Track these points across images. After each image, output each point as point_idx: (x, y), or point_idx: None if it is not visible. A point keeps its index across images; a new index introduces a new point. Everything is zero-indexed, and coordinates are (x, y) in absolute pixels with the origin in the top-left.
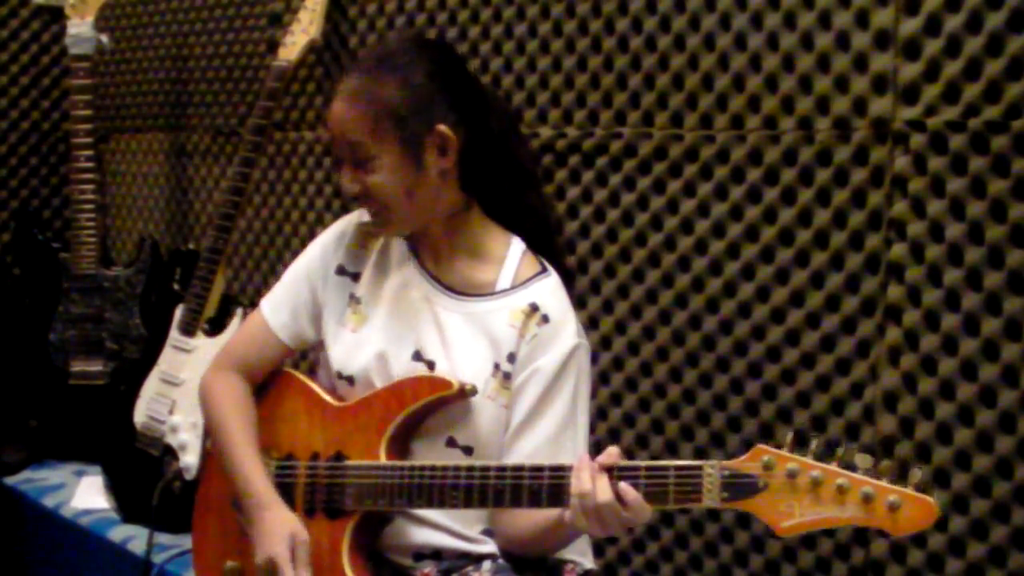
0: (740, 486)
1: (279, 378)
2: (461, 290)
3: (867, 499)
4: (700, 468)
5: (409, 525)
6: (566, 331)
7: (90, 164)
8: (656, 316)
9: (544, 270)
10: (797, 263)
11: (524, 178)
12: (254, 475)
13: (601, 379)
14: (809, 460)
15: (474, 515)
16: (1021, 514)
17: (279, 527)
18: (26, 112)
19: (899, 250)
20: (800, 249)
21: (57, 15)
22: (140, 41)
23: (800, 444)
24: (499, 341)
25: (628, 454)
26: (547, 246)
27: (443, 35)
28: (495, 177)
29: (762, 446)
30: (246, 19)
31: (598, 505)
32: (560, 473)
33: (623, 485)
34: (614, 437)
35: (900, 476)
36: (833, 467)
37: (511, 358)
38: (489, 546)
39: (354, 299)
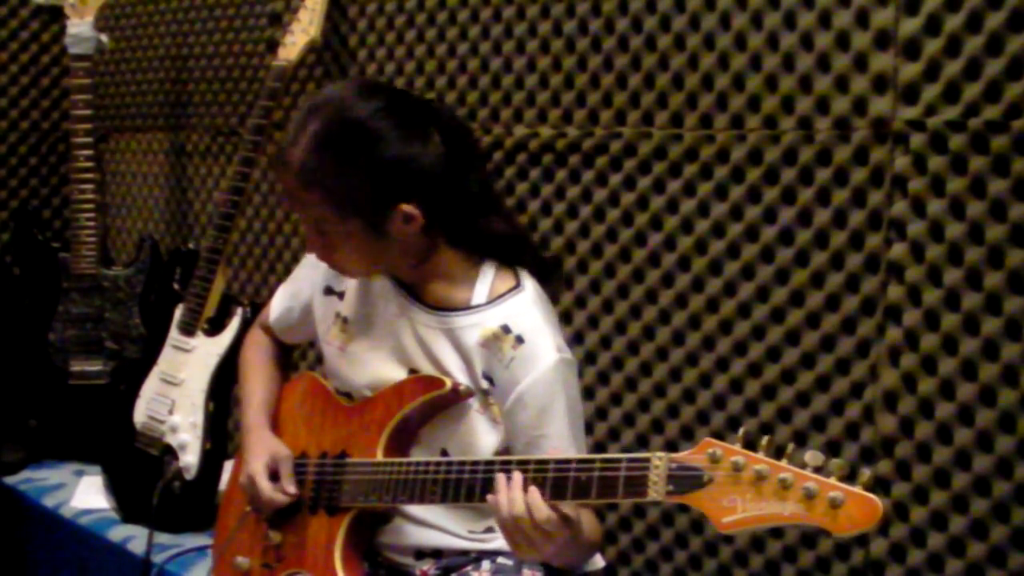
0: (685, 479)
1: (301, 380)
2: (437, 306)
3: (809, 495)
4: (648, 460)
5: (409, 525)
6: (543, 348)
7: (90, 164)
8: (656, 316)
9: (518, 285)
10: (797, 263)
11: (484, 207)
12: (249, 408)
13: (601, 380)
14: (756, 454)
15: (472, 513)
16: (1021, 514)
17: (258, 447)
18: (26, 112)
19: (899, 250)
20: (800, 249)
21: (57, 15)
22: (140, 41)
23: (749, 445)
24: (471, 358)
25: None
26: (521, 259)
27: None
28: (457, 218)
29: (710, 439)
30: (246, 19)
31: (513, 517)
32: (526, 467)
33: (531, 496)
34: (614, 437)
35: (849, 476)
36: (781, 462)
37: (487, 378)
38: (490, 544)
39: (340, 317)
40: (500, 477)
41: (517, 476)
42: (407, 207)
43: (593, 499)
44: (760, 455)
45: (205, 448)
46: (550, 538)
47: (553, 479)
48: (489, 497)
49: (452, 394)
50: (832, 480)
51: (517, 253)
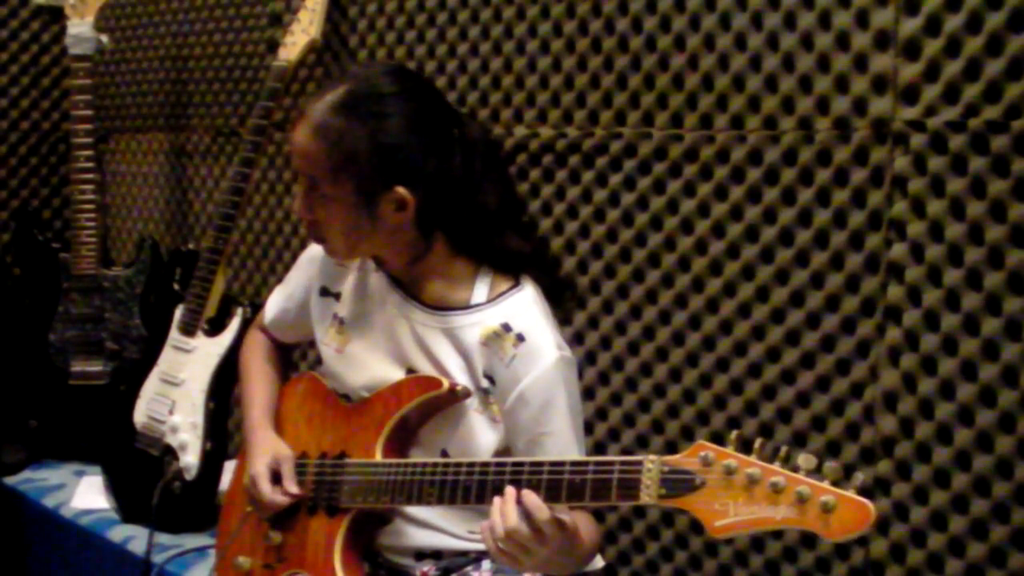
0: (678, 483)
1: (301, 380)
2: (436, 305)
3: (801, 499)
4: (640, 463)
5: (408, 527)
6: (545, 346)
7: (90, 164)
8: (656, 316)
9: (517, 284)
10: (797, 263)
11: (500, 223)
12: (251, 410)
13: (601, 380)
14: (749, 457)
15: (472, 514)
16: (1021, 514)
17: (261, 448)
18: (26, 112)
19: (899, 250)
20: (800, 249)
21: (57, 15)
22: (140, 41)
23: (744, 448)
24: (472, 357)
25: (627, 455)
26: (533, 278)
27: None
28: (457, 223)
29: (702, 442)
30: (246, 19)
31: (506, 532)
32: (520, 469)
33: (529, 498)
34: (614, 437)
35: (843, 479)
36: (774, 466)
37: (488, 377)
38: None
39: (336, 319)
40: (496, 500)
41: (509, 490)
42: (402, 191)
43: (587, 502)
44: (753, 458)
45: (205, 448)
46: (545, 542)
47: (548, 481)
48: (483, 524)
49: (450, 394)
50: (825, 484)
51: (529, 272)
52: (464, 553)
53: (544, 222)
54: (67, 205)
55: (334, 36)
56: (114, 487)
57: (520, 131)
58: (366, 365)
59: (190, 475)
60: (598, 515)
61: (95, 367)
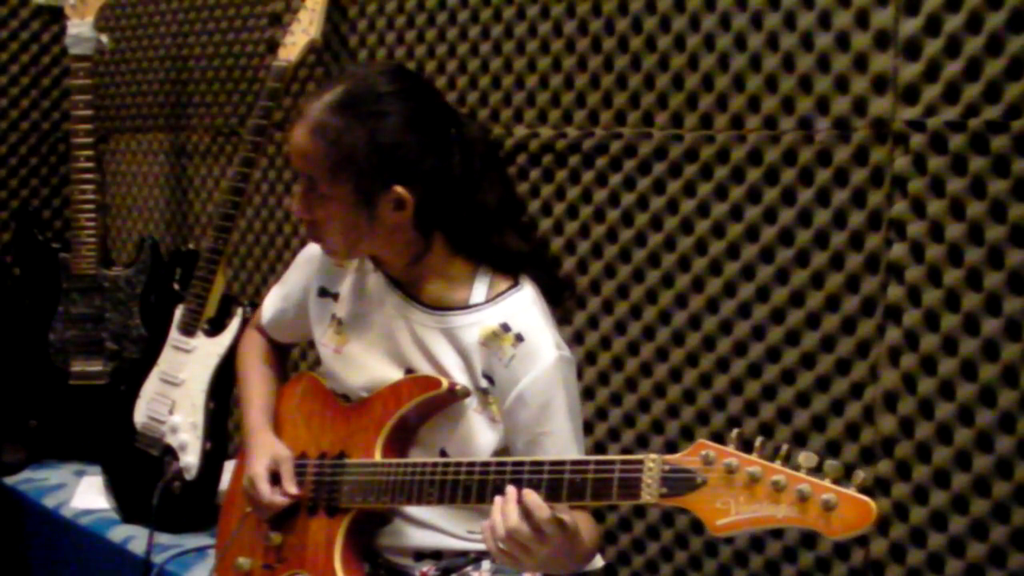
0: (679, 481)
1: (301, 380)
2: (435, 305)
3: (802, 497)
4: (641, 462)
5: (408, 527)
6: (544, 346)
7: (90, 164)
8: (656, 316)
9: (516, 284)
10: (797, 263)
11: (500, 222)
12: (250, 410)
13: (601, 380)
14: (750, 456)
15: (471, 514)
16: (1021, 514)
17: (260, 449)
18: (26, 112)
19: (899, 250)
20: (800, 249)
21: (57, 15)
22: (140, 41)
23: (744, 447)
24: (471, 357)
25: (627, 454)
26: (532, 278)
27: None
28: (456, 223)
29: (703, 440)
30: (246, 19)
31: (508, 531)
32: (520, 468)
33: (529, 497)
34: (614, 437)
35: (844, 477)
36: (775, 464)
37: (487, 377)
38: None
39: (335, 320)
40: (498, 499)
41: (510, 490)
42: (400, 190)
43: (588, 501)
44: (754, 456)
45: (205, 448)
46: (546, 542)
47: (548, 481)
48: (484, 524)
49: (449, 394)
50: (826, 482)
51: (528, 272)
52: (464, 553)
53: (544, 222)
54: (67, 205)
55: (334, 36)
56: (114, 487)
57: (520, 131)
58: (365, 365)
59: (190, 475)
60: (598, 515)
61: (95, 367)
